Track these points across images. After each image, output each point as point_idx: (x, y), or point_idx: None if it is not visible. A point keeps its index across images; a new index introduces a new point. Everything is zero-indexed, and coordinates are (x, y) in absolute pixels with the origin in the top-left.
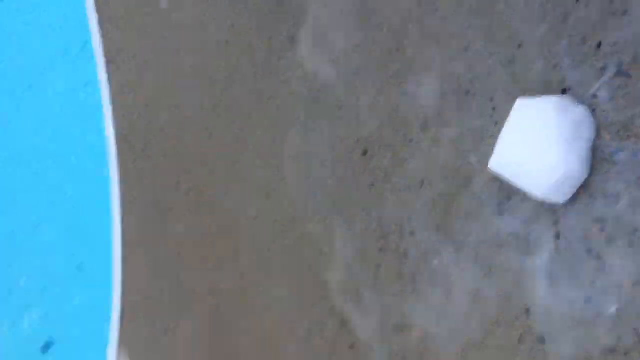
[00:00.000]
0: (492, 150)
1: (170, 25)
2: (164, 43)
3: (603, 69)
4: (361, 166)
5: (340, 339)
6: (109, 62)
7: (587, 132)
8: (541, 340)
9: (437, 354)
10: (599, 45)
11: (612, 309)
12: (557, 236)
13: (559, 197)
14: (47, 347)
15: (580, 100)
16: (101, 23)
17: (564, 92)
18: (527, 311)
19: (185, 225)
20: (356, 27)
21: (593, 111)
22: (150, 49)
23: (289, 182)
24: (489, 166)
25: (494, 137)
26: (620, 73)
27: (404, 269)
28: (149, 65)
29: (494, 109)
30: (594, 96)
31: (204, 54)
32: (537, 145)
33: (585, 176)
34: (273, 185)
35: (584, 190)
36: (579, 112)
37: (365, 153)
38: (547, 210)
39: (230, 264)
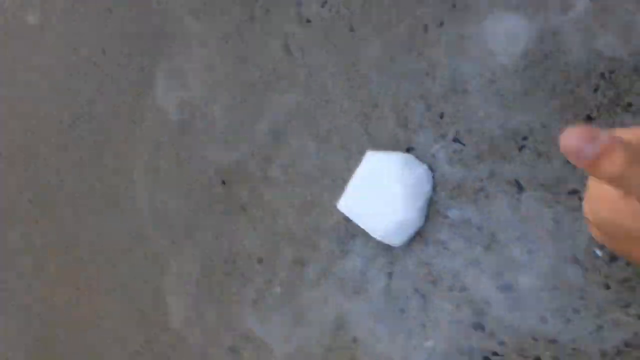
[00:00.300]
0: (342, 192)
1: (36, 42)
2: (26, 58)
3: (443, 135)
4: (218, 195)
5: (174, 355)
6: None
7: (425, 187)
8: None
9: None
10: (442, 115)
11: (429, 343)
12: (390, 276)
13: (396, 240)
14: None
15: (422, 159)
16: None
17: (408, 150)
18: (355, 340)
19: (23, 233)
20: (229, 63)
21: (432, 170)
22: (8, 62)
23: (142, 201)
24: (337, 206)
25: (346, 181)
26: (456, 140)
27: (248, 294)
28: (3, 80)
29: (348, 156)
30: (434, 157)
31: (70, 71)
32: (381, 193)
33: (421, 225)
34: (125, 203)
35: (419, 237)
36: (421, 169)
37: (223, 183)
38: (385, 251)
39: (68, 276)
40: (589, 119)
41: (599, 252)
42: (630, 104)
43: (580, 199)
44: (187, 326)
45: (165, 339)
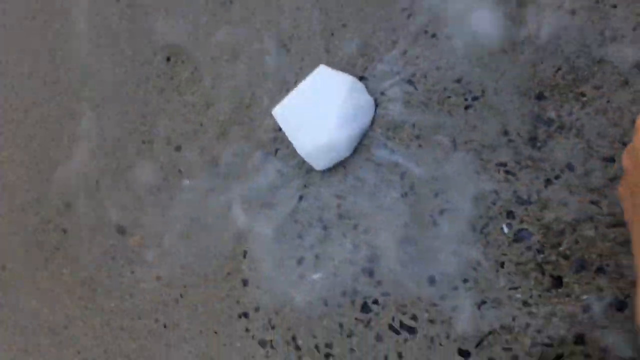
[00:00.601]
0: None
1: None
2: None
3: (398, 73)
4: (159, 70)
5: (57, 221)
6: None
7: (364, 119)
8: (245, 282)
9: (151, 260)
10: (405, 52)
11: (316, 276)
12: (301, 198)
13: (318, 163)
14: None
15: (371, 91)
16: None
17: (361, 79)
18: (244, 254)
19: None
20: None
21: (377, 105)
22: None
23: (79, 55)
24: (272, 112)
25: (290, 90)
26: (410, 82)
27: (152, 179)
28: None
29: (301, 68)
30: (383, 93)
31: None
32: (319, 109)
33: (347, 155)
34: (62, 54)
35: (342, 167)
36: (365, 100)
37: (168, 59)
38: (304, 173)
39: None
40: (540, 96)
41: (506, 229)
42: (583, 94)
43: (507, 172)
44: (80, 194)
45: (54, 203)
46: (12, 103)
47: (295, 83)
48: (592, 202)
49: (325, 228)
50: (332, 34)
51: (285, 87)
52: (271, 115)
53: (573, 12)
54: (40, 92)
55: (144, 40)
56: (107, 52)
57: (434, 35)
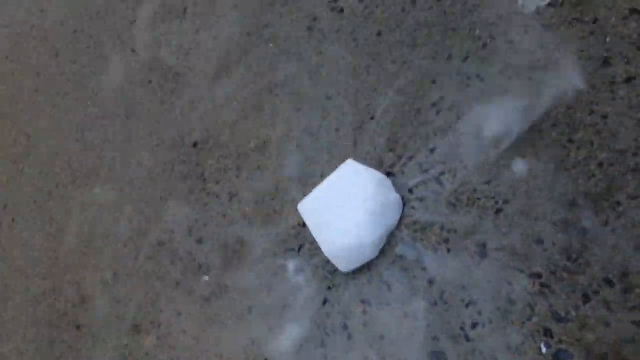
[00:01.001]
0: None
1: None
2: None
3: (426, 171)
4: (185, 156)
5: (72, 315)
6: None
7: (391, 218)
8: None
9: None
10: (434, 149)
11: None
12: (324, 302)
13: (342, 264)
14: None
15: (398, 188)
16: None
17: (388, 174)
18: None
19: None
20: (246, 27)
21: (404, 204)
22: None
23: (106, 135)
24: (297, 207)
25: (316, 185)
26: (438, 181)
27: (172, 270)
28: None
29: (328, 160)
30: (410, 191)
31: None
32: (344, 207)
33: (373, 257)
34: (90, 135)
35: (367, 268)
36: (392, 198)
37: (194, 145)
38: (328, 273)
39: None
40: (574, 203)
41: (544, 349)
42: (619, 203)
43: (542, 285)
44: (96, 287)
45: (69, 295)
46: (36, 182)
47: (322, 176)
48: (634, 323)
49: (349, 336)
50: (361, 126)
51: (311, 180)
52: (296, 209)
53: (604, 117)
54: (61, 174)
55: (172, 123)
56: (134, 131)
57: (463, 133)
